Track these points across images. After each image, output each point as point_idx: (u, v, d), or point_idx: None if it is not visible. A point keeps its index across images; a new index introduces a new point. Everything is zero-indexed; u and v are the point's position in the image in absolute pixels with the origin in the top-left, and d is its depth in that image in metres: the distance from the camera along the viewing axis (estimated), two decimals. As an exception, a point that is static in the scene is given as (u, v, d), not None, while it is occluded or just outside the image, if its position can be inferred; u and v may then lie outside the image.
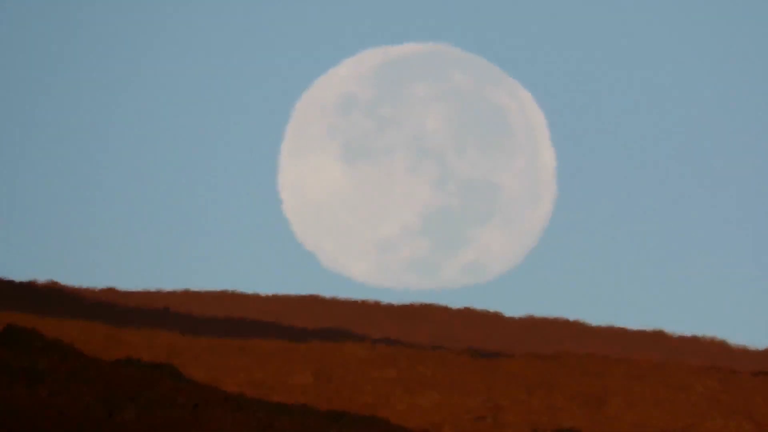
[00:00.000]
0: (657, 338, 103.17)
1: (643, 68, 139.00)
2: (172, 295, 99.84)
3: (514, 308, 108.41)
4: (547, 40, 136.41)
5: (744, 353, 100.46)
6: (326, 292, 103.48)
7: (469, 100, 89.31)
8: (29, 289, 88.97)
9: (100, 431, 21.35)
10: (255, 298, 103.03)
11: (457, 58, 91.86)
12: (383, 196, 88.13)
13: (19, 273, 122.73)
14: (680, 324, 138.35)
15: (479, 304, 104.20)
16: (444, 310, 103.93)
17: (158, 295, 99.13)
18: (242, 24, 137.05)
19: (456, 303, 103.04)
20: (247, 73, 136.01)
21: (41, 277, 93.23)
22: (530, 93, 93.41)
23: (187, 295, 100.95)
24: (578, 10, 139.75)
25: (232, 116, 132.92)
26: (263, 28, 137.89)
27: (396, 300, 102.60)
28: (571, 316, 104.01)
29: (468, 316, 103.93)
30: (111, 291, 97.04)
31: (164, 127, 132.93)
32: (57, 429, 20.07)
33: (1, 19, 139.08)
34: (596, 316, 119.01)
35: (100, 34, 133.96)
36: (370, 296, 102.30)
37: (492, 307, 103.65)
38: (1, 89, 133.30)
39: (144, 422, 23.36)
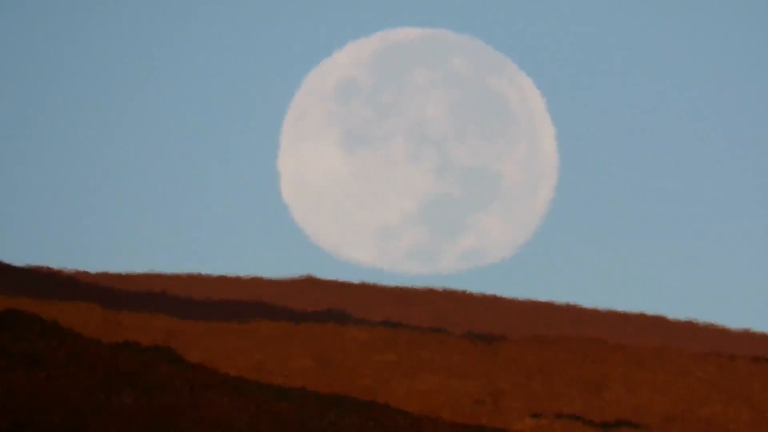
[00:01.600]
0: (656, 323, 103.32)
1: (645, 56, 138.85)
2: (171, 278, 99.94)
3: (513, 293, 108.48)
4: (548, 26, 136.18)
5: (743, 339, 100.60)
6: (326, 275, 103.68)
7: (470, 87, 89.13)
8: (27, 272, 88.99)
9: (99, 414, 21.28)
10: (254, 282, 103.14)
11: (457, 44, 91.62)
12: (383, 183, 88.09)
13: (18, 257, 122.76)
14: (679, 309, 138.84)
15: (479, 289, 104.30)
16: (444, 295, 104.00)
17: (157, 278, 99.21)
18: (242, 11, 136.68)
19: (456, 288, 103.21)
20: (247, 60, 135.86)
21: (40, 260, 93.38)
22: (531, 80, 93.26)
23: (186, 279, 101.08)
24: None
25: (233, 103, 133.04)
26: (263, 15, 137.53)
27: (395, 284, 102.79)
28: (571, 302, 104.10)
29: (468, 300, 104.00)
30: (109, 274, 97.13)
31: (164, 113, 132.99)
32: (55, 412, 20.02)
33: (5, 17, 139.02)
34: (596, 302, 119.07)
35: (110, 21, 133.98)
36: (370, 280, 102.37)
37: (492, 292, 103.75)
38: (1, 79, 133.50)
39: (142, 405, 23.31)
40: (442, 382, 54.69)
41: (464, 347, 64.71)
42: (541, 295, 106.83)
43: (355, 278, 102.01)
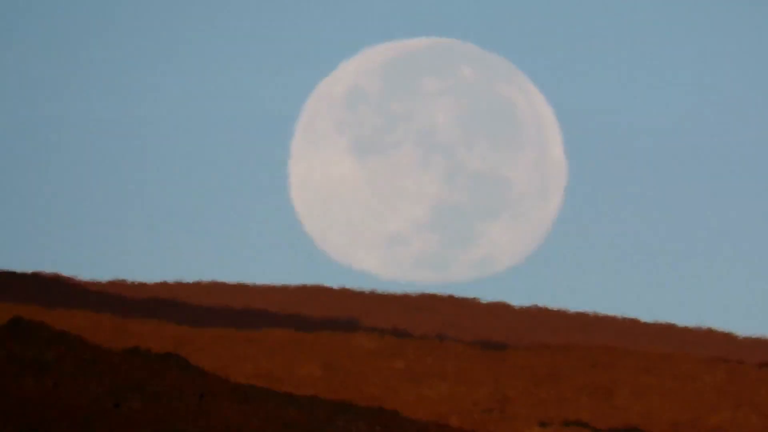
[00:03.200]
0: (664, 330, 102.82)
1: (653, 62, 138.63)
2: (181, 286, 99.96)
3: (522, 301, 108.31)
4: (556, 33, 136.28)
5: (751, 345, 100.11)
6: (334, 283, 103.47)
7: (478, 95, 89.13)
8: (36, 280, 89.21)
9: (107, 421, 21.43)
10: (263, 290, 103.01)
11: (465, 53, 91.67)
12: (393, 191, 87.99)
13: (26, 265, 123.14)
14: (688, 316, 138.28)
15: (488, 297, 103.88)
16: (452, 302, 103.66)
17: (166, 286, 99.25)
18: (254, 20, 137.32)
19: (464, 296, 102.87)
20: (258, 69, 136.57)
21: (48, 268, 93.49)
22: (539, 87, 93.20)
23: (195, 287, 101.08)
24: (586, 4, 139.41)
25: (243, 111, 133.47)
26: (275, 25, 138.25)
27: (404, 292, 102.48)
28: (580, 309, 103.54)
29: (476, 307, 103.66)
30: (118, 282, 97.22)
31: (175, 120, 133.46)
32: (64, 419, 20.16)
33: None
34: (604, 309, 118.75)
35: (126, 26, 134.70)
36: (379, 288, 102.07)
37: (500, 299, 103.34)
38: (5, 81, 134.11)
39: (151, 412, 23.45)
40: (450, 389, 54.69)
41: (472, 354, 64.75)
42: (550, 303, 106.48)
43: (363, 286, 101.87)
